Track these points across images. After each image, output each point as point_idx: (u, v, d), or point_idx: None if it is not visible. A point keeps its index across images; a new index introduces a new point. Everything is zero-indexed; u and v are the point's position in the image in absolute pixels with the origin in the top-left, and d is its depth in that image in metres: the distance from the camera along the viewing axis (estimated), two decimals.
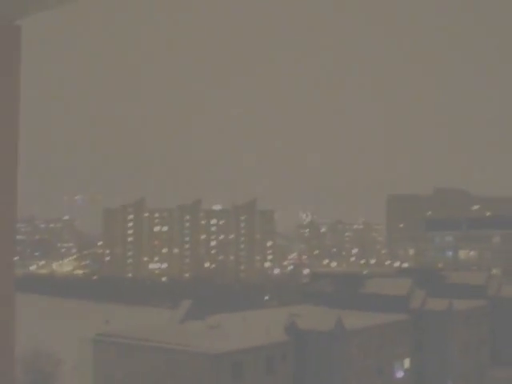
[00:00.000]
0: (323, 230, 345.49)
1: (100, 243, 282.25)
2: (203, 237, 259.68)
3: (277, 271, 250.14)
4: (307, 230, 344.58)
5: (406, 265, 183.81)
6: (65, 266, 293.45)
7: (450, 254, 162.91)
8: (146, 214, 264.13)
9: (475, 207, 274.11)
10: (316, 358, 63.18)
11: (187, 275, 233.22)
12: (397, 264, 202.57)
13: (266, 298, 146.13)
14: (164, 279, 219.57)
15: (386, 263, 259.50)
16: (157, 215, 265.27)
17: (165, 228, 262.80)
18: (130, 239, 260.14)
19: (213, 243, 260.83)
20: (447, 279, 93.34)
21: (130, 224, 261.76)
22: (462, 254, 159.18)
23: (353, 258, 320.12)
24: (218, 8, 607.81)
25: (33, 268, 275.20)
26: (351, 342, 66.22)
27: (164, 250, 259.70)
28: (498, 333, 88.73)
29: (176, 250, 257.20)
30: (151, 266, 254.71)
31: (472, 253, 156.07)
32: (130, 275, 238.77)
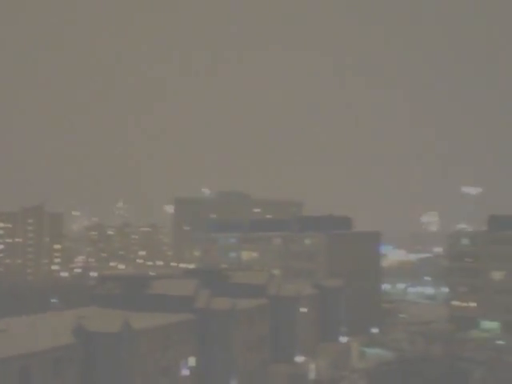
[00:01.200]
0: (110, 232, 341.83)
1: None
2: None
3: (65, 274, 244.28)
4: (95, 233, 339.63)
5: (191, 266, 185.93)
6: None
7: (233, 254, 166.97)
8: None
9: (256, 210, 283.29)
10: (103, 359, 62.55)
11: None
12: (183, 265, 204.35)
13: (54, 300, 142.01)
14: None
15: (173, 265, 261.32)
16: None
17: None
18: None
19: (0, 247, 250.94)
20: (231, 279, 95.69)
21: None
22: (245, 254, 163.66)
23: (140, 260, 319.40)
24: None
25: None
26: (138, 342, 66.17)
27: None
28: (278, 330, 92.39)
29: None
30: None
31: (254, 254, 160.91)
32: None
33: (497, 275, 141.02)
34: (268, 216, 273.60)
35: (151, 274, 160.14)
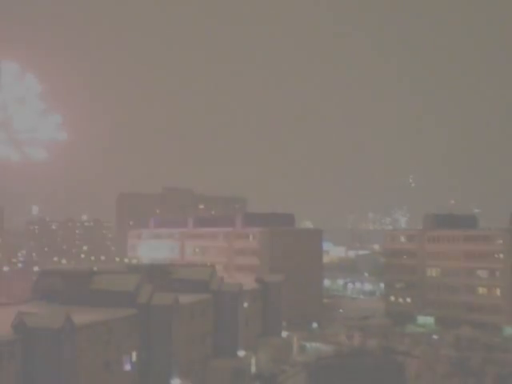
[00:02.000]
0: (53, 226, 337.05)
1: None
2: None
3: (6, 269, 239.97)
4: (37, 227, 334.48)
5: (134, 261, 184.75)
6: None
7: (176, 250, 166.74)
8: None
9: (201, 206, 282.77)
10: (45, 355, 61.67)
11: None
12: (126, 261, 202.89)
13: None
14: None
15: (116, 260, 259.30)
16: None
17: None
18: None
19: None
20: (174, 274, 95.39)
21: None
22: (188, 250, 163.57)
23: (83, 255, 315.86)
24: None
25: None
26: (80, 337, 65.50)
27: None
28: (220, 325, 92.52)
29: None
30: None
31: (197, 250, 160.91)
32: None
33: (432, 272, 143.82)
34: (212, 212, 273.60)
35: (94, 269, 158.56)
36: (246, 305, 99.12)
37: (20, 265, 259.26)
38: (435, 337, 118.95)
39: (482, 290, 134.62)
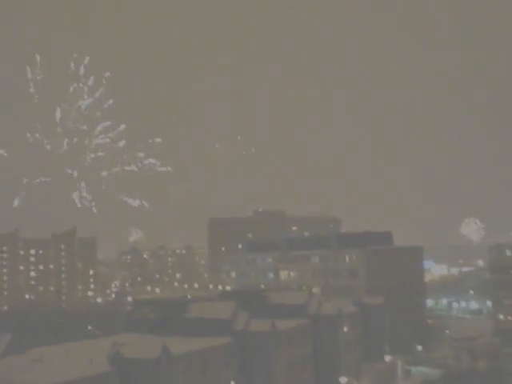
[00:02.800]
0: (145, 255, 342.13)
1: None
2: (22, 267, 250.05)
3: (100, 300, 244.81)
4: (129, 257, 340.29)
5: (228, 287, 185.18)
6: None
7: (271, 275, 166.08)
8: None
9: (293, 228, 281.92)
10: None
11: (6, 308, 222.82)
12: (220, 287, 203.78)
13: (90, 327, 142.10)
14: None
15: (210, 287, 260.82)
16: None
17: None
18: None
19: (32, 274, 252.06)
20: (269, 300, 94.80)
21: None
22: (283, 274, 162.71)
23: (176, 283, 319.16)
24: None
25: None
26: (177, 367, 65.46)
27: None
28: (320, 350, 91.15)
29: None
30: None
31: (292, 273, 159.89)
32: None
33: None
34: (305, 233, 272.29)
35: (188, 297, 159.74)
36: (345, 329, 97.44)
37: (114, 295, 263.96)
38: None
39: None
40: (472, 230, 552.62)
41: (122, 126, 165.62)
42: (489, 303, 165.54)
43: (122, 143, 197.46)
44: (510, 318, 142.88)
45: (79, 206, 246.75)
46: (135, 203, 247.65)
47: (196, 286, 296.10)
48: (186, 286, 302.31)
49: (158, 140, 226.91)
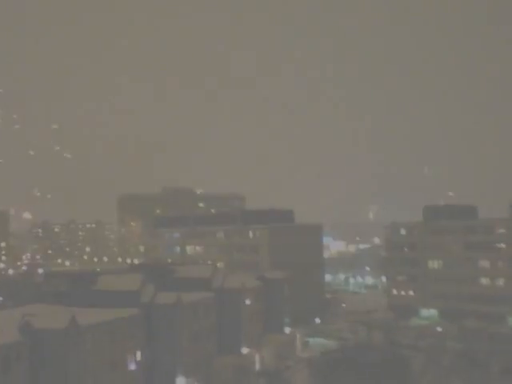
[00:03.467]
0: (56, 229, 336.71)
1: None
2: None
3: (11, 272, 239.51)
4: (40, 230, 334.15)
5: (137, 261, 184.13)
6: None
7: (178, 249, 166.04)
8: None
9: (201, 205, 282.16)
10: (51, 356, 61.32)
11: None
12: (129, 261, 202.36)
13: (0, 298, 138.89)
14: None
15: (119, 260, 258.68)
16: None
17: None
18: None
19: None
20: (176, 273, 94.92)
21: None
22: (190, 249, 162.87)
23: (86, 257, 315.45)
24: None
25: None
26: (85, 338, 65.01)
27: None
28: (224, 322, 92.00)
29: None
30: None
31: (198, 248, 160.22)
32: None
33: (434, 264, 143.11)
34: (212, 210, 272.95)
35: (97, 270, 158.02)
36: (248, 302, 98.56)
37: (25, 268, 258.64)
38: (439, 329, 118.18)
39: (485, 281, 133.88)
40: (370, 209, 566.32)
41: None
42: (383, 279, 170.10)
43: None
44: (403, 293, 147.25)
45: None
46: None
47: (105, 259, 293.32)
48: (95, 259, 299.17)
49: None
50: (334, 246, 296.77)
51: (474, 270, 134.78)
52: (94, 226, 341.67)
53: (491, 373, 78.53)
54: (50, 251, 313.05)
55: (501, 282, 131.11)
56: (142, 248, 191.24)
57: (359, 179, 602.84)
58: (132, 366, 73.40)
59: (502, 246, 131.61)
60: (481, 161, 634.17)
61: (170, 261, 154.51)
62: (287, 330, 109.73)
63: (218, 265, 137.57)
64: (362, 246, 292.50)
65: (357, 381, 72.36)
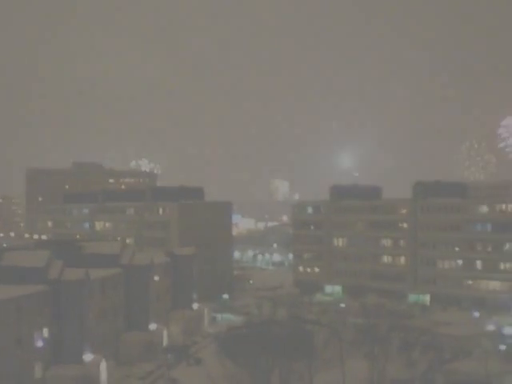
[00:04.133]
0: None
1: None
2: None
3: None
4: None
5: (44, 237, 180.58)
6: None
7: (87, 225, 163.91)
8: None
9: (110, 181, 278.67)
10: None
11: None
12: (36, 236, 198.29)
13: None
14: None
15: (25, 236, 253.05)
16: None
17: None
18: None
19: None
20: (84, 249, 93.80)
21: None
22: (99, 225, 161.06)
23: None
24: None
25: None
26: None
27: None
28: (132, 298, 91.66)
29: None
30: None
31: (108, 224, 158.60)
32: None
33: (339, 242, 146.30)
34: (122, 187, 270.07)
35: (3, 245, 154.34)
36: (156, 278, 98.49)
37: None
38: (343, 305, 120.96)
39: (387, 259, 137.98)
40: (279, 188, 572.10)
41: None
42: (291, 256, 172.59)
43: None
44: (308, 270, 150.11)
45: None
46: None
47: (12, 234, 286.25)
48: (1, 234, 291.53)
49: None
50: (243, 224, 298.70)
51: (376, 249, 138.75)
52: (0, 200, 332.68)
53: (391, 347, 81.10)
54: None
55: (402, 260, 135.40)
56: (49, 224, 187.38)
57: (269, 160, 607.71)
58: (39, 343, 72.36)
59: (404, 225, 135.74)
60: (385, 142, 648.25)
61: (78, 237, 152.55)
62: (195, 305, 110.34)
63: (128, 241, 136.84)
64: (270, 224, 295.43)
65: (262, 355, 73.51)
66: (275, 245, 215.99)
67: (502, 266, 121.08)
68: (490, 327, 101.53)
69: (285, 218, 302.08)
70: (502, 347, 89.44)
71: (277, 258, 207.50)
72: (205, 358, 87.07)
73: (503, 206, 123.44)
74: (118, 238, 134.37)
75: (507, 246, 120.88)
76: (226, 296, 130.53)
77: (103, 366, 77.36)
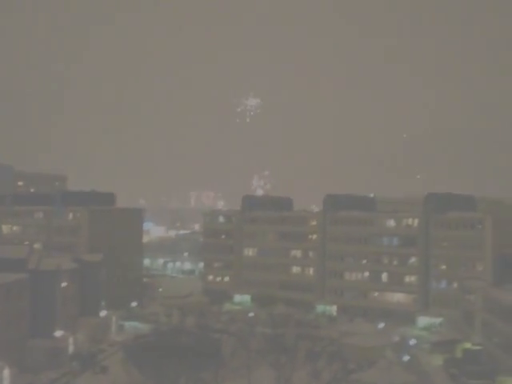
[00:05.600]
0: None
1: None
2: None
3: None
4: None
5: None
6: None
7: None
8: None
9: (19, 183, 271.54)
10: None
11: None
12: None
13: None
14: None
15: None
16: None
17: None
18: None
19: None
20: None
21: None
22: (6, 228, 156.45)
23: None
24: None
25: None
26: None
27: None
28: (38, 304, 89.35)
29: None
30: None
31: (15, 228, 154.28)
32: None
33: (249, 252, 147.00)
34: (32, 190, 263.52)
35: None
36: (64, 284, 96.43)
37: None
38: (251, 314, 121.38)
39: (296, 270, 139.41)
40: (191, 195, 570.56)
41: None
42: (201, 265, 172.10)
43: None
44: (218, 278, 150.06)
45: None
46: None
47: None
48: None
49: None
50: (154, 231, 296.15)
51: (286, 259, 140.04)
52: None
53: (297, 356, 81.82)
54: None
55: (311, 271, 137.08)
56: None
57: (181, 167, 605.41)
58: None
59: (314, 237, 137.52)
60: (302, 155, 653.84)
61: None
62: (103, 313, 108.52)
63: (36, 246, 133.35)
64: (182, 232, 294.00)
65: (169, 363, 73.00)
66: (186, 253, 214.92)
67: (406, 279, 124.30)
68: (394, 338, 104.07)
69: (197, 227, 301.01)
70: (406, 358, 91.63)
71: (187, 266, 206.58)
72: (111, 366, 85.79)
73: (409, 221, 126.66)
74: (26, 243, 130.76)
75: (412, 259, 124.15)
76: (134, 304, 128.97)
77: (6, 373, 75.20)
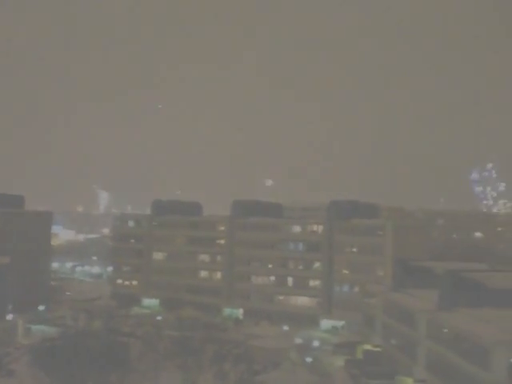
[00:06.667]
0: None
1: None
2: None
3: None
4: None
5: None
6: None
7: None
8: None
9: None
10: None
11: None
12: None
13: None
14: None
15: None
16: None
17: None
18: None
19: None
20: None
21: None
22: None
23: None
24: None
25: None
26: None
27: None
28: None
29: None
30: None
31: None
32: None
33: (158, 256, 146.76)
34: None
35: None
36: None
37: None
38: (159, 318, 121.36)
39: (204, 274, 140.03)
40: (100, 199, 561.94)
41: None
42: (110, 268, 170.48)
43: None
44: (127, 282, 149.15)
45: None
46: None
47: None
48: None
49: None
50: (63, 235, 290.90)
51: (195, 263, 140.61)
52: None
53: (204, 359, 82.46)
54: None
55: (218, 275, 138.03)
56: None
57: (91, 170, 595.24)
58: None
59: (222, 242, 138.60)
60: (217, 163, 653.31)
61: None
62: (9, 316, 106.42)
63: None
64: (91, 236, 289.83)
65: (76, 367, 72.38)
66: (95, 257, 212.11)
67: (311, 283, 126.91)
68: (298, 340, 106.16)
69: (106, 231, 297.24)
70: (309, 359, 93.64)
71: (96, 269, 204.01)
72: (17, 370, 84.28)
73: (314, 227, 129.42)
74: None
75: (316, 264, 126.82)
76: (42, 307, 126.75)
77: None
